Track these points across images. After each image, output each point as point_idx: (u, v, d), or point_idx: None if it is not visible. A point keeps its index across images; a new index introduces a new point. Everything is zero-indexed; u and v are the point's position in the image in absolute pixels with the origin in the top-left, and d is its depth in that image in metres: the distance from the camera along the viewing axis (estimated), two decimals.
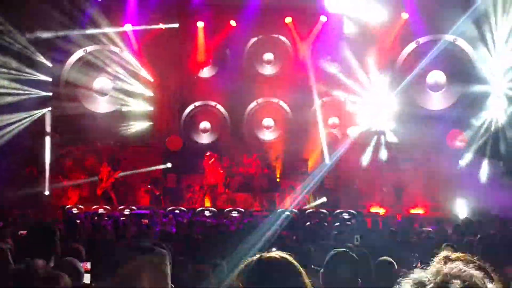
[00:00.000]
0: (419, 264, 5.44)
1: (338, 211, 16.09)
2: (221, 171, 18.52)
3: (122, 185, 18.89)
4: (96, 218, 12.82)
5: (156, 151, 19.52)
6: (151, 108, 20.78)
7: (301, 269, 2.13)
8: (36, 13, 18.33)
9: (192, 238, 7.34)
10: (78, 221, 10.87)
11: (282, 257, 2.14)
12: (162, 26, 20.22)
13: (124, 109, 20.76)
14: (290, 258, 2.15)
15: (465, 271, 1.31)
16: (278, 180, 18.77)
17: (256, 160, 18.76)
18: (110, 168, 18.36)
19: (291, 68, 20.46)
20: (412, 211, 16.88)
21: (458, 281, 1.27)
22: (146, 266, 2.16)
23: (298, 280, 2.09)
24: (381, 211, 17.14)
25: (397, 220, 14.60)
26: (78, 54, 20.19)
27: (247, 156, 18.92)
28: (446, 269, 1.32)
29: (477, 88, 17.93)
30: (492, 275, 1.47)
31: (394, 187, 17.36)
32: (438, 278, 1.29)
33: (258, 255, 2.13)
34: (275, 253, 2.16)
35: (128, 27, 20.12)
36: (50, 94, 19.92)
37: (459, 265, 1.33)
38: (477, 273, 1.31)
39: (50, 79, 20.07)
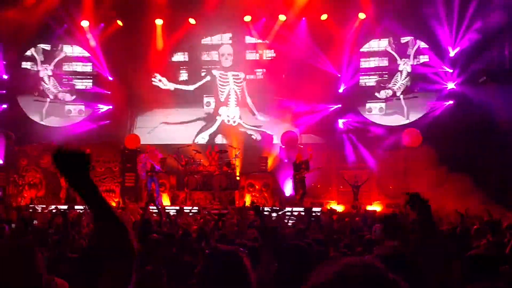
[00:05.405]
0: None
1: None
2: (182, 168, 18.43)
3: None
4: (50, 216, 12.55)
5: (114, 150, 19.13)
6: (109, 106, 20.56)
7: (248, 262, 2.29)
8: None
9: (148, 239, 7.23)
10: (35, 221, 10.66)
11: (230, 250, 2.35)
12: (119, 23, 19.95)
13: (81, 107, 20.54)
14: (238, 251, 2.28)
15: (366, 261, 1.32)
16: (237, 178, 18.70)
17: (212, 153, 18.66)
18: None
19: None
20: (369, 207, 17.09)
21: (357, 270, 1.29)
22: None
23: (243, 270, 2.25)
24: (339, 208, 17.32)
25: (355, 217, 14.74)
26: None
27: (209, 153, 18.80)
28: (346, 260, 1.33)
29: None
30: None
31: (351, 184, 17.54)
32: (338, 269, 1.30)
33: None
34: (225, 246, 2.34)
35: (85, 24, 19.78)
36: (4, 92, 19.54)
37: (363, 256, 1.37)
38: (379, 264, 1.32)
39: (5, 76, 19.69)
